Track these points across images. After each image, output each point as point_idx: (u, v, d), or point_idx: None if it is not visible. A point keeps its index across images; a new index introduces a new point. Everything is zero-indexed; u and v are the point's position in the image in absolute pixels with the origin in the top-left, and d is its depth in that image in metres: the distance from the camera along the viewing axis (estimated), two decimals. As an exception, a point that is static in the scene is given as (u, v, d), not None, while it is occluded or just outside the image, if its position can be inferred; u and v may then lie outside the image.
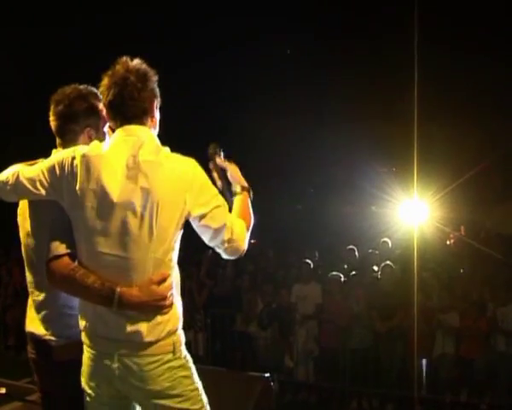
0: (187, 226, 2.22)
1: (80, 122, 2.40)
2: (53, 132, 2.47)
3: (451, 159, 11.59)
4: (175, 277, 2.22)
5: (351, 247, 8.98)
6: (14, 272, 8.86)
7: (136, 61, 2.21)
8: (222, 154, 2.56)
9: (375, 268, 7.80)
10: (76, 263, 2.18)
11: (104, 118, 2.39)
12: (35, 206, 2.36)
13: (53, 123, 2.45)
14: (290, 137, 11.93)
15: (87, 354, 2.23)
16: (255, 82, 12.09)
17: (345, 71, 12.34)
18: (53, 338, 2.37)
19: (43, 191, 2.24)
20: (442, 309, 6.91)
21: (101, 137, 2.42)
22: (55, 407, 2.46)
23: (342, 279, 7.51)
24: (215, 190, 2.24)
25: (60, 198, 2.21)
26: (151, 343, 2.14)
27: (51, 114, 2.44)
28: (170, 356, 2.17)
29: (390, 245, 9.19)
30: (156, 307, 2.13)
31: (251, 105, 12.18)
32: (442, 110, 12.11)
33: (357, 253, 8.91)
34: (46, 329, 2.39)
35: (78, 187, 2.14)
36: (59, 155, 2.25)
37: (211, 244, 2.26)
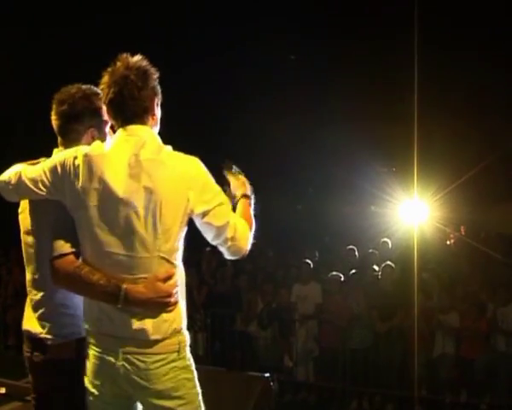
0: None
1: (84, 122, 2.40)
2: (54, 132, 2.46)
3: (451, 159, 11.59)
4: (180, 275, 2.22)
5: (351, 247, 8.99)
6: (15, 272, 8.86)
7: (137, 58, 2.21)
8: (235, 169, 2.58)
9: (376, 268, 7.81)
10: (80, 261, 2.19)
11: (106, 119, 2.39)
12: (36, 204, 2.35)
13: (55, 122, 2.44)
14: (290, 137, 11.93)
15: (91, 353, 2.23)
16: (256, 83, 12.09)
17: (345, 71, 12.34)
18: (49, 337, 2.36)
19: (45, 191, 2.24)
20: (442, 309, 6.91)
21: (104, 138, 2.42)
22: (50, 408, 2.44)
23: (342, 279, 7.52)
24: (218, 188, 2.24)
25: (62, 198, 2.21)
26: (157, 341, 2.14)
27: (53, 113, 2.43)
28: (175, 356, 2.16)
29: (390, 245, 9.20)
30: (162, 304, 2.13)
31: (251, 105, 12.17)
32: (442, 110, 12.10)
33: (357, 253, 8.92)
34: (42, 327, 2.38)
35: (80, 187, 2.14)
36: (61, 155, 2.25)
37: (214, 243, 2.26)
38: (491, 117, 12.44)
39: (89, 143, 2.30)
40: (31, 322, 2.43)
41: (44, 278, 2.35)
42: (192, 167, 2.18)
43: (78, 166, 2.15)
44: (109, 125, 2.42)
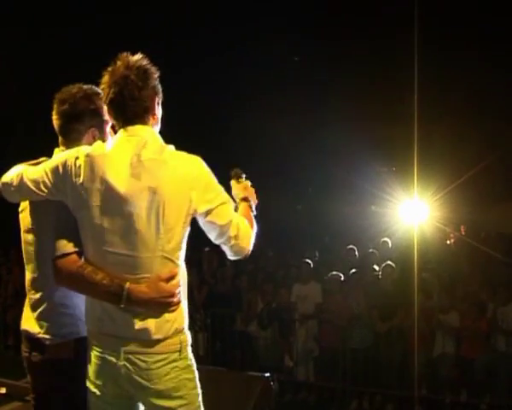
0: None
1: (85, 122, 2.40)
2: (55, 131, 2.46)
3: (451, 159, 11.59)
4: (182, 275, 2.22)
5: (351, 247, 8.99)
6: (15, 272, 8.86)
7: (137, 57, 2.20)
8: (243, 177, 2.62)
9: (376, 268, 7.81)
10: (83, 260, 2.19)
11: (108, 119, 2.40)
12: (37, 203, 2.35)
13: (56, 122, 2.44)
14: (290, 136, 11.93)
15: (92, 353, 2.23)
16: (256, 83, 12.09)
17: (345, 71, 12.35)
18: (47, 337, 2.36)
19: (46, 192, 2.24)
20: (442, 309, 6.91)
21: (105, 138, 2.42)
22: (49, 409, 2.44)
23: (342, 279, 7.52)
24: (221, 188, 2.24)
25: (64, 198, 2.21)
26: (159, 341, 2.14)
27: (54, 112, 2.43)
28: (176, 356, 2.16)
29: (390, 245, 9.20)
30: (164, 303, 2.13)
31: (251, 105, 12.17)
32: (442, 111, 12.11)
33: (357, 252, 8.92)
34: (41, 327, 2.38)
35: (82, 187, 2.14)
36: (62, 155, 2.25)
37: (217, 242, 2.26)
38: (491, 117, 12.44)
39: (90, 143, 2.30)
40: (29, 322, 2.43)
41: (44, 277, 2.35)
42: (195, 167, 2.18)
43: (80, 166, 2.15)
44: (110, 125, 2.42)
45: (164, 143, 2.23)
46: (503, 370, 6.49)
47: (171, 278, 2.15)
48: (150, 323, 2.13)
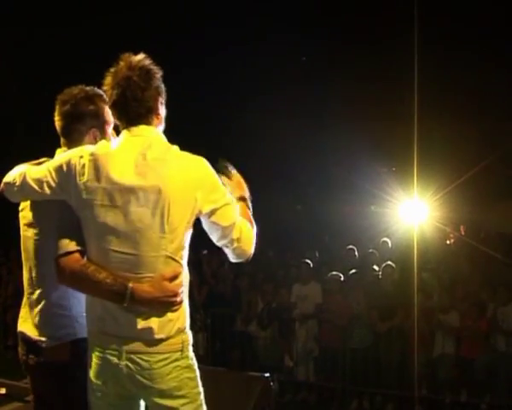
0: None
1: (87, 122, 2.41)
2: (57, 132, 2.47)
3: (451, 159, 11.59)
4: (184, 276, 2.22)
5: (351, 247, 8.99)
6: (15, 272, 8.86)
7: (139, 58, 2.20)
8: (232, 171, 2.55)
9: (376, 268, 7.81)
10: (86, 259, 2.18)
11: (109, 119, 2.40)
12: (38, 202, 2.34)
13: (58, 123, 2.45)
14: (290, 137, 11.92)
15: (93, 353, 2.22)
16: (256, 82, 12.08)
17: (345, 71, 12.34)
18: (43, 339, 2.36)
19: (50, 192, 2.23)
20: (442, 309, 6.91)
21: (106, 138, 2.42)
22: None
23: (342, 279, 7.52)
24: (225, 189, 2.25)
25: (68, 198, 2.21)
26: (161, 340, 2.14)
27: (57, 113, 2.44)
28: (178, 355, 2.16)
29: (390, 245, 9.19)
30: (167, 303, 2.13)
31: (251, 105, 12.18)
32: (442, 110, 12.10)
33: (357, 253, 8.92)
34: (37, 329, 2.38)
35: (86, 186, 2.14)
36: (66, 154, 2.25)
37: (219, 244, 2.26)
38: (491, 117, 12.44)
39: (91, 144, 2.31)
40: (26, 323, 2.43)
41: (42, 277, 2.35)
42: (200, 168, 2.18)
43: (84, 165, 2.15)
44: (112, 126, 2.44)
45: (169, 144, 2.23)
46: (503, 370, 6.49)
47: (175, 277, 2.15)
48: (153, 322, 2.13)
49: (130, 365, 2.14)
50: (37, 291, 2.38)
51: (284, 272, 8.53)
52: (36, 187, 2.25)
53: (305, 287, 7.56)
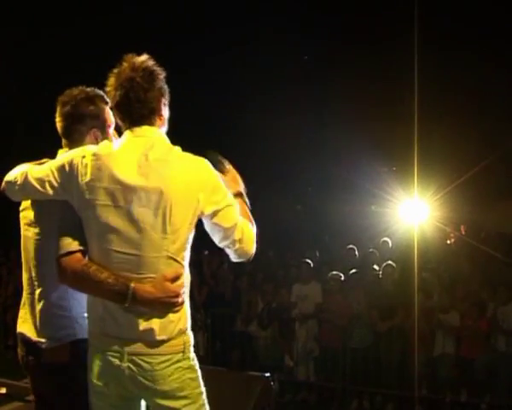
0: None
1: (87, 123, 2.42)
2: (57, 132, 2.48)
3: (451, 159, 11.58)
4: (186, 276, 2.22)
5: (351, 246, 8.99)
6: (15, 272, 8.86)
7: (143, 59, 2.20)
8: (223, 162, 2.49)
9: (376, 267, 7.81)
10: (87, 259, 2.18)
11: (109, 120, 2.41)
12: (40, 201, 2.34)
13: (59, 124, 2.46)
14: (290, 137, 11.92)
15: (94, 354, 2.22)
16: (256, 82, 12.08)
17: (345, 71, 12.34)
18: (43, 340, 2.35)
19: (52, 191, 2.23)
20: (442, 309, 6.91)
21: (107, 139, 2.42)
22: None
23: (342, 279, 7.52)
24: (227, 190, 2.24)
25: (70, 198, 2.20)
26: (163, 342, 2.13)
27: (57, 114, 2.45)
28: (180, 356, 2.16)
29: (390, 245, 9.19)
30: (169, 303, 2.13)
31: (252, 105, 12.18)
32: (442, 110, 12.11)
33: (357, 252, 8.92)
34: (37, 330, 2.37)
35: (89, 186, 2.13)
36: (68, 154, 2.25)
37: (221, 245, 2.26)
38: (491, 117, 12.44)
39: (92, 144, 2.31)
40: (25, 324, 2.43)
41: (42, 277, 2.34)
42: (202, 169, 2.18)
43: (87, 165, 2.15)
44: (113, 126, 2.44)
45: (171, 144, 2.23)
46: (503, 370, 6.50)
47: (177, 278, 2.14)
48: (154, 323, 2.13)
49: (131, 366, 2.13)
50: (37, 292, 2.38)
51: (284, 272, 8.53)
52: (38, 186, 2.24)
53: (305, 287, 7.56)
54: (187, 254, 2.21)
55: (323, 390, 7.39)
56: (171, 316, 2.15)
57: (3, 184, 2.39)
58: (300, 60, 13.79)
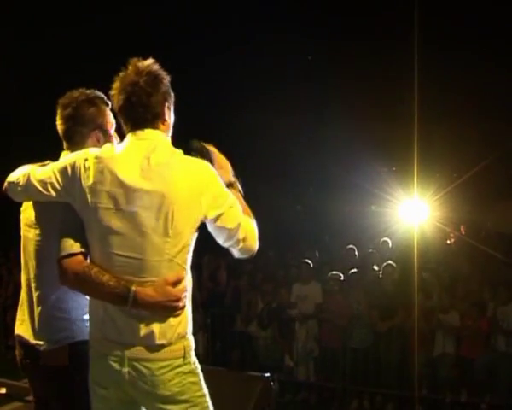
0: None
1: (88, 125, 2.42)
2: (56, 132, 2.48)
3: (451, 159, 11.59)
4: (188, 280, 2.21)
5: (351, 246, 8.99)
6: (15, 273, 8.86)
7: (148, 63, 2.19)
8: (208, 149, 2.42)
9: (376, 267, 7.81)
10: (89, 261, 2.18)
11: (110, 121, 2.41)
12: (42, 202, 2.34)
13: (60, 127, 2.46)
14: (290, 137, 11.92)
15: (95, 358, 2.22)
16: (256, 82, 12.08)
17: (345, 71, 12.34)
18: (41, 343, 2.35)
19: (54, 193, 2.23)
20: (442, 309, 6.91)
21: (109, 140, 2.43)
22: None
23: (342, 279, 7.52)
24: (228, 192, 2.24)
25: (72, 200, 2.20)
26: (163, 346, 2.13)
27: (58, 117, 2.45)
28: (180, 361, 2.16)
29: (390, 245, 9.20)
30: (170, 307, 2.12)
31: (251, 105, 12.17)
32: (442, 110, 12.11)
33: (357, 252, 8.92)
34: (34, 332, 2.37)
35: (91, 189, 2.13)
36: (71, 157, 2.25)
37: (226, 245, 2.26)
38: (491, 117, 12.43)
39: (94, 146, 2.31)
40: (23, 326, 2.43)
41: (41, 278, 2.34)
42: (204, 173, 2.17)
43: (89, 168, 2.15)
44: (114, 128, 2.44)
45: (173, 148, 2.22)
46: (503, 370, 6.50)
47: (178, 281, 2.14)
48: (154, 327, 2.12)
49: (132, 372, 2.13)
50: (36, 293, 2.37)
51: (284, 272, 8.52)
52: (40, 188, 2.24)
53: (305, 287, 7.56)
54: (189, 258, 2.20)
55: (323, 390, 7.39)
56: (170, 320, 2.14)
57: (6, 183, 2.39)
58: (303, 60, 13.78)
